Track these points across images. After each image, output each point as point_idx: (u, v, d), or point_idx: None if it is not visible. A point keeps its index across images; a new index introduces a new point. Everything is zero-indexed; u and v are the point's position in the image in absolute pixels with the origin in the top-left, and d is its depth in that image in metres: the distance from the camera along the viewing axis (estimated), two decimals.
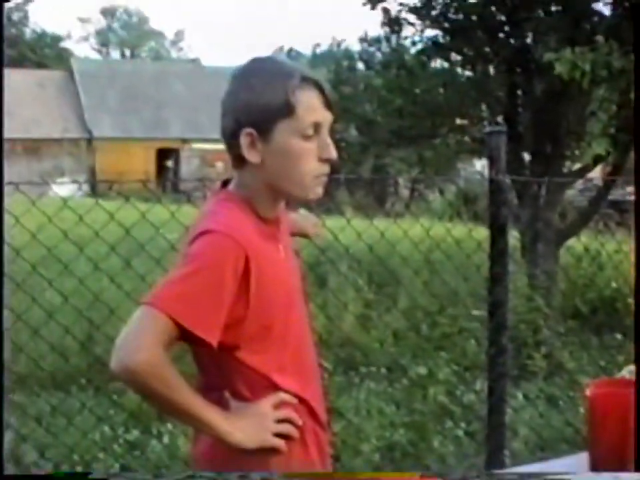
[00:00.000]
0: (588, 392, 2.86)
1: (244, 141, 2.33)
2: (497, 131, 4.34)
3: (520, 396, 7.14)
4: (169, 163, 44.18)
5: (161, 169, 43.39)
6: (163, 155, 43.69)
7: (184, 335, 2.21)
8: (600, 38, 7.17)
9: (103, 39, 79.74)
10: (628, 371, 4.42)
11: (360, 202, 22.96)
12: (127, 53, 79.68)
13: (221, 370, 2.36)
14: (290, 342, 2.42)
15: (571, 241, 10.04)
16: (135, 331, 2.18)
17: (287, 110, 2.29)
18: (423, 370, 7.08)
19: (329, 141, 2.35)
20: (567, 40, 7.86)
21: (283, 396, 2.37)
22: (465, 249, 5.90)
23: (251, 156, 2.34)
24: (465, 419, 6.55)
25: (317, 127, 2.33)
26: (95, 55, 76.10)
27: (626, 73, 7.01)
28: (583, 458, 2.89)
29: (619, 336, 8.68)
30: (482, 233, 4.79)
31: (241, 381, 2.35)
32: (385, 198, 27.51)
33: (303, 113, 2.30)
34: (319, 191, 2.39)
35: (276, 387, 2.37)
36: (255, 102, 2.32)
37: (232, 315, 2.25)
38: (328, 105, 2.35)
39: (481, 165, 15.57)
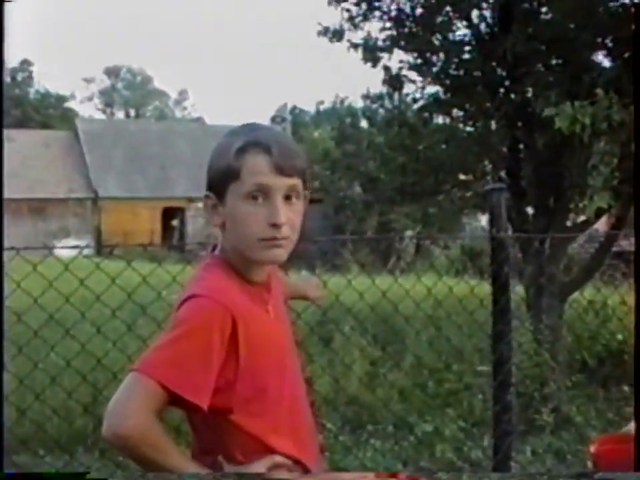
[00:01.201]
0: (592, 449, 2.85)
1: (204, 204, 2.44)
2: (497, 188, 4.35)
3: (528, 451, 7.09)
4: (175, 222, 44.26)
5: (166, 228, 43.49)
6: (169, 214, 43.79)
7: (174, 400, 2.23)
8: (600, 91, 7.19)
9: (107, 99, 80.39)
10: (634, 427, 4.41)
11: (365, 260, 22.96)
12: (132, 112, 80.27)
13: (214, 433, 2.37)
14: (284, 403, 2.44)
15: (576, 294, 10.03)
16: (125, 397, 2.21)
17: (232, 173, 2.35)
18: (429, 427, 7.05)
19: (278, 204, 2.36)
20: (567, 94, 7.89)
21: (277, 458, 2.38)
22: (468, 305, 5.90)
23: (212, 219, 2.44)
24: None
25: (264, 190, 2.35)
26: (100, 115, 76.66)
27: (626, 126, 7.04)
28: None
29: (626, 388, 8.62)
30: (485, 288, 4.79)
31: (235, 443, 2.37)
32: (390, 255, 27.52)
33: (247, 176, 2.34)
34: (272, 254, 2.39)
35: (271, 449, 2.38)
36: (212, 166, 2.43)
37: (222, 378, 2.27)
38: (281, 169, 2.36)
39: (485, 219, 15.63)
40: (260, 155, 2.35)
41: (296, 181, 2.39)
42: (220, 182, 2.38)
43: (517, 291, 9.50)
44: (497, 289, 4.02)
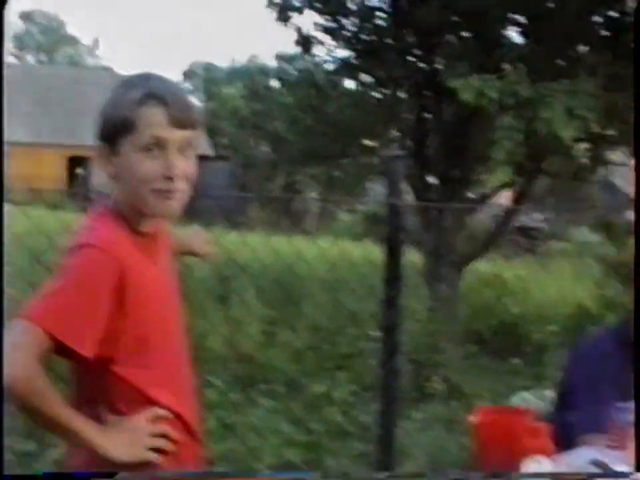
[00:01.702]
0: (474, 419, 2.87)
1: (97, 154, 2.40)
2: (395, 155, 4.36)
3: (417, 417, 7.15)
4: (80, 171, 43.60)
5: (72, 176, 42.79)
6: (76, 162, 43.09)
7: (59, 349, 2.19)
8: (508, 66, 7.25)
9: (20, 43, 78.61)
10: (520, 398, 4.49)
11: (269, 219, 22.94)
12: (44, 58, 78.66)
13: (97, 384, 2.35)
14: (168, 356, 2.43)
15: (476, 266, 10.13)
16: (12, 345, 2.16)
17: (128, 125, 2.31)
18: (320, 389, 7.07)
19: (173, 157, 2.33)
20: (476, 66, 7.94)
21: (159, 411, 2.37)
22: (365, 269, 5.92)
23: (106, 169, 2.40)
24: (362, 439, 6.54)
25: (160, 143, 2.32)
26: (12, 60, 74.91)
27: (533, 102, 7.11)
28: None
29: (518, 361, 8.76)
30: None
31: (117, 395, 2.35)
32: (294, 216, 27.52)
33: (143, 128, 2.31)
34: (165, 207, 2.37)
35: (152, 402, 2.37)
36: (106, 117, 2.38)
37: (108, 328, 2.25)
38: (177, 122, 2.34)
39: None
40: (156, 107, 2.32)
41: (191, 134, 2.37)
42: (114, 133, 2.34)
43: (415, 259, 9.59)
44: (390, 255, 4.03)
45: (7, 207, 2.63)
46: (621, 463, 3.07)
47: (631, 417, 3.84)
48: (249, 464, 5.85)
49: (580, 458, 3.26)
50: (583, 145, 8.53)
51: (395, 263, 4.02)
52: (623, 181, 33.09)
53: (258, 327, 8.79)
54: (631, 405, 3.88)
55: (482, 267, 10.91)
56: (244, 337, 8.42)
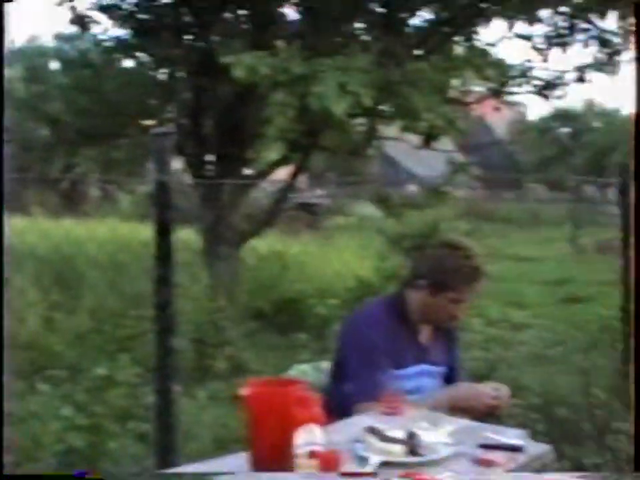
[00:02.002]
0: (245, 391, 2.88)
1: None
2: (161, 132, 4.33)
3: (201, 397, 7.15)
4: None
5: None
6: None
7: None
8: (281, 43, 7.30)
9: None
10: (297, 370, 4.53)
11: (49, 202, 22.41)
12: None
13: None
14: None
15: (256, 243, 10.19)
16: None
17: None
18: (102, 372, 6.97)
19: None
20: (250, 44, 7.96)
21: None
22: (141, 250, 5.86)
23: None
24: (146, 420, 6.50)
25: None
26: None
27: (305, 78, 7.18)
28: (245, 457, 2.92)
29: (302, 335, 8.86)
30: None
31: None
32: (74, 198, 26.95)
33: None
34: None
35: None
36: None
37: None
38: None
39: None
40: None
41: None
42: None
43: (193, 237, 9.57)
44: (159, 233, 4.00)
45: None
46: (396, 429, 3.15)
47: (407, 384, 3.97)
48: (33, 452, 5.74)
49: (355, 426, 3.33)
50: (358, 120, 8.69)
51: (165, 241, 3.99)
52: (401, 154, 33.97)
53: (36, 313, 8.59)
54: (406, 371, 4.01)
55: (263, 243, 10.98)
56: (22, 324, 8.22)
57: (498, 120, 49.84)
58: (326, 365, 4.32)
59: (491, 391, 3.95)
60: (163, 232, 3.99)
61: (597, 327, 8.55)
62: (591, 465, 6.18)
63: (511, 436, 3.26)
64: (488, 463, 2.95)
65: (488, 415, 4.01)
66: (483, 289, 4.11)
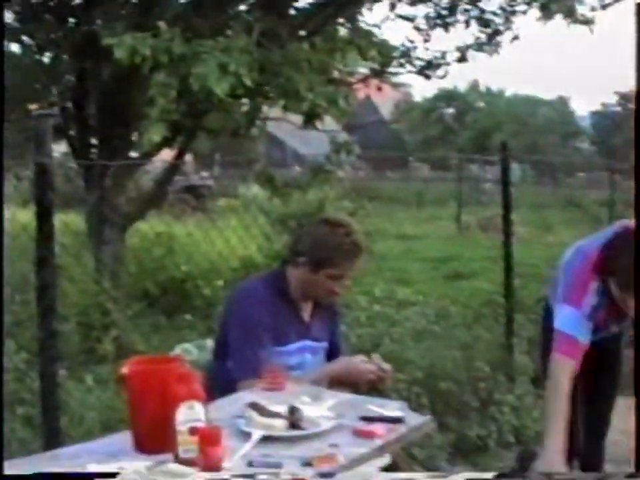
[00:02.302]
0: (125, 370, 2.88)
1: None
2: (42, 114, 4.28)
3: (89, 379, 7.09)
4: None
5: None
6: None
7: None
8: (162, 24, 7.24)
9: None
10: (181, 349, 4.56)
11: None
12: None
13: None
14: None
15: (142, 225, 10.11)
16: None
17: None
18: None
19: None
20: (133, 26, 7.87)
21: None
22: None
23: None
24: (34, 405, 6.43)
25: None
26: None
27: (186, 60, 7.14)
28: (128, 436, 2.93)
29: (188, 316, 8.85)
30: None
31: None
32: None
33: None
34: None
35: None
36: None
37: None
38: None
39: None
40: None
41: None
42: None
43: (78, 220, 9.46)
44: (40, 216, 3.96)
45: None
46: (278, 404, 3.18)
47: (289, 360, 4.01)
48: None
49: (237, 402, 3.36)
50: (240, 101, 8.68)
51: (46, 224, 3.95)
52: (287, 135, 34.01)
53: None
54: (288, 348, 4.06)
55: (149, 226, 10.91)
56: None
57: (384, 100, 50.30)
58: (210, 343, 4.34)
59: (371, 365, 4.01)
60: (44, 214, 3.95)
61: (479, 302, 8.73)
62: (475, 436, 6.32)
63: (392, 408, 3.33)
64: (368, 435, 3.01)
65: (371, 389, 4.09)
66: (363, 265, 4.16)
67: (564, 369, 4.16)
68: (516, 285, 7.99)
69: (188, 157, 21.64)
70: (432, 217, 22.44)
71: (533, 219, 20.48)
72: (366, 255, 4.14)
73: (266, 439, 2.93)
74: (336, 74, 9.37)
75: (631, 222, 4.49)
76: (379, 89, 10.15)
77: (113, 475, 2.34)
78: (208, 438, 2.59)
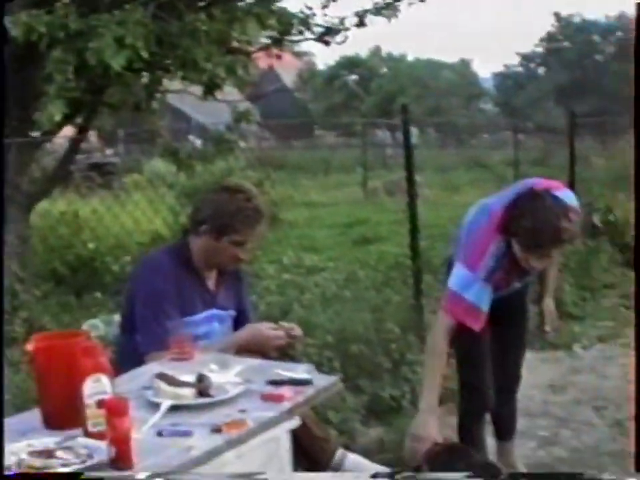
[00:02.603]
0: (30, 346, 2.87)
1: None
2: None
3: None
4: None
5: None
6: None
7: None
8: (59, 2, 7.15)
9: None
10: (88, 325, 4.54)
11: None
12: None
13: None
14: None
15: (48, 205, 10.00)
16: None
17: None
18: None
19: None
20: (31, 4, 7.74)
21: None
22: None
23: None
24: None
25: None
26: None
27: (83, 35, 7.07)
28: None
29: (98, 294, 8.79)
30: None
31: None
32: None
33: None
34: None
35: None
36: None
37: None
38: None
39: None
40: None
41: None
42: None
43: None
44: None
45: None
46: (186, 373, 3.20)
47: (197, 330, 4.03)
48: None
49: (146, 374, 3.36)
50: (139, 75, 8.60)
51: None
52: (190, 107, 33.75)
53: None
54: (195, 317, 4.07)
55: (55, 205, 10.80)
56: None
57: (287, 70, 50.24)
58: (117, 318, 4.34)
59: (278, 331, 4.04)
60: None
61: (388, 265, 8.80)
62: (388, 397, 6.40)
63: (299, 371, 3.37)
64: (277, 398, 3.04)
65: (282, 355, 4.13)
66: (265, 231, 4.19)
67: (443, 327, 4.28)
68: (423, 246, 8.08)
69: (92, 135, 21.38)
70: (338, 184, 22.50)
71: (439, 181, 20.71)
72: (267, 220, 4.17)
73: (175, 408, 2.94)
74: (235, 44, 9.33)
75: (535, 181, 4.60)
76: (278, 57, 10.13)
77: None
78: (115, 409, 2.59)
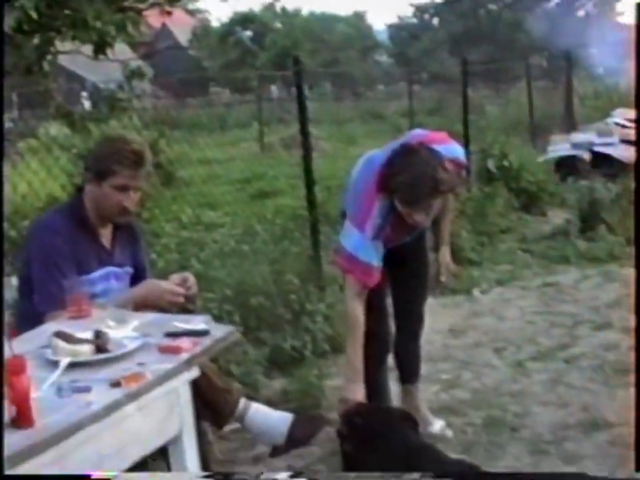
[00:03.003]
0: None
1: None
2: None
3: None
4: None
5: None
6: None
7: None
8: None
9: None
10: None
11: None
12: None
13: None
14: None
15: None
16: None
17: None
18: None
19: None
20: None
21: None
22: None
23: None
24: None
25: None
26: None
27: None
28: None
29: None
30: None
31: None
32: None
33: None
34: None
35: None
36: None
37: None
38: None
39: None
40: None
41: None
42: None
43: None
44: None
45: None
46: (84, 331, 3.21)
47: (93, 288, 4.02)
48: None
49: (43, 334, 3.36)
50: (30, 37, 8.46)
51: None
52: (82, 68, 33.23)
53: None
54: (91, 275, 4.06)
55: None
56: None
57: (181, 27, 49.70)
58: (14, 281, 4.30)
59: (174, 286, 4.06)
60: None
61: (286, 218, 8.84)
62: (290, 348, 6.46)
63: (196, 322, 3.40)
64: (174, 350, 3.07)
65: (182, 310, 4.15)
66: (147, 175, 4.17)
67: (354, 291, 4.41)
68: (320, 198, 8.14)
69: None
70: (235, 140, 22.40)
71: (335, 134, 20.77)
72: (149, 165, 4.15)
73: (74, 366, 2.95)
74: (126, 2, 9.22)
75: (419, 133, 4.68)
76: (169, 13, 10.03)
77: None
78: (12, 368, 2.60)
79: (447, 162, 4.23)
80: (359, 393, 4.25)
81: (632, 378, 5.86)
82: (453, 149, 4.56)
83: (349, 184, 4.62)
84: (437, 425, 5.30)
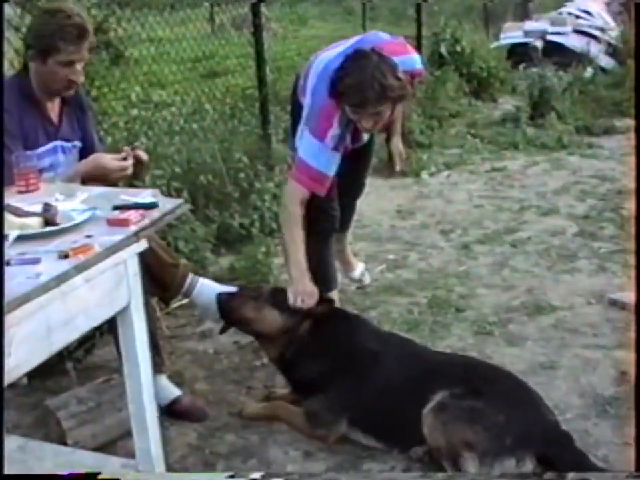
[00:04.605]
0: None
1: None
2: None
3: None
4: None
5: None
6: None
7: None
8: None
9: None
10: None
11: None
12: None
13: None
14: None
15: None
16: None
17: None
18: None
19: None
20: None
21: None
22: None
23: None
24: None
25: None
26: None
27: None
28: None
29: None
30: None
31: None
32: None
33: None
34: None
35: None
36: None
37: None
38: None
39: None
40: None
41: None
42: None
43: None
44: None
45: None
46: (32, 204, 3.20)
47: (41, 162, 3.99)
48: None
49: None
50: None
51: None
52: None
53: None
54: (39, 150, 4.03)
55: None
56: None
57: None
58: None
59: (121, 162, 4.04)
60: None
61: (236, 98, 8.79)
62: (238, 225, 6.50)
63: (145, 195, 3.39)
64: (122, 222, 3.06)
65: (129, 184, 4.15)
66: (89, 49, 4.10)
67: (296, 197, 4.42)
68: (271, 78, 8.10)
69: None
70: (185, 19, 22.01)
71: (287, 14, 20.48)
72: (91, 37, 4.09)
73: (22, 238, 2.94)
74: None
75: (377, 38, 4.64)
76: None
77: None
78: None
79: (400, 72, 4.21)
80: (313, 288, 4.27)
81: (578, 264, 6.05)
82: (410, 61, 4.56)
83: (307, 88, 4.60)
84: (358, 270, 5.50)
